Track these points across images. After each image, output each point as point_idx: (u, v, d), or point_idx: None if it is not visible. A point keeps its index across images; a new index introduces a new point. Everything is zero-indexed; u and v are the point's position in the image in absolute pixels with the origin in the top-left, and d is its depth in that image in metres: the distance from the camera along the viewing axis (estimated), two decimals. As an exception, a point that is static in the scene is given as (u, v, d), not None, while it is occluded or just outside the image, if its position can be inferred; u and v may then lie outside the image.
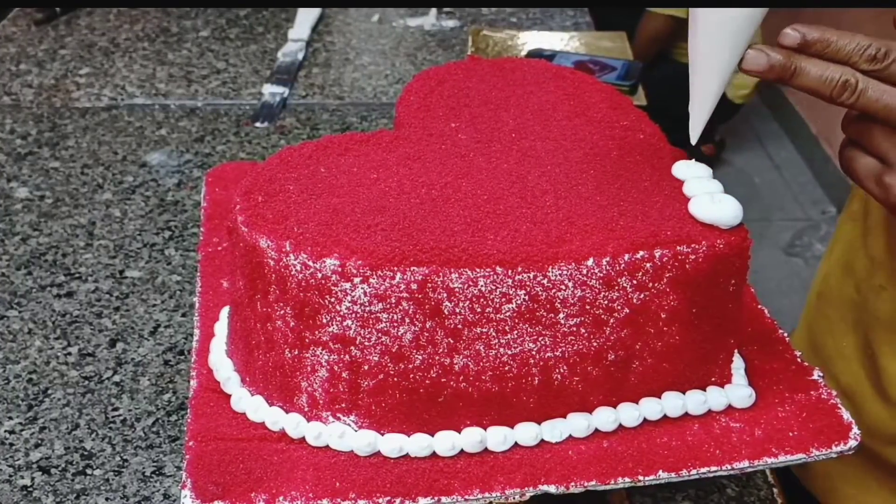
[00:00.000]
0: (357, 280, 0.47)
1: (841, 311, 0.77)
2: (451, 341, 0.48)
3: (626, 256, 0.48)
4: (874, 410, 0.72)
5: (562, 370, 0.50)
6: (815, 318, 0.81)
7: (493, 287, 0.47)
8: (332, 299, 0.48)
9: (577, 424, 0.51)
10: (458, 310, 0.48)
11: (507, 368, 0.49)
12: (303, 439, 0.51)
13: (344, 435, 0.50)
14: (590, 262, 0.48)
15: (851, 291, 0.75)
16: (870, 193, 0.52)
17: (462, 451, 0.50)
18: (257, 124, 1.05)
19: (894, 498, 0.74)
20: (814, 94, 0.49)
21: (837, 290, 0.78)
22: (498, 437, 0.50)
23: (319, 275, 0.47)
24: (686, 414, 0.53)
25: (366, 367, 0.49)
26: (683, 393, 0.53)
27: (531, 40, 1.14)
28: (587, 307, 0.49)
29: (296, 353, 0.50)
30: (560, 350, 0.50)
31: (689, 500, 0.62)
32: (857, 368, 0.74)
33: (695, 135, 0.51)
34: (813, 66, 0.49)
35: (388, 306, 0.47)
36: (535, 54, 1.06)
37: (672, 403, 0.53)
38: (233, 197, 0.53)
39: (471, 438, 0.50)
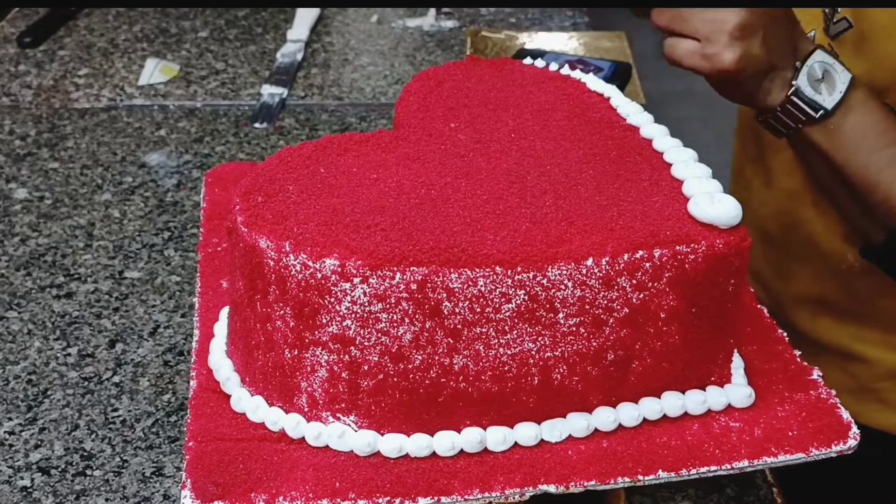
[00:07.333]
0: (357, 280, 0.47)
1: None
2: (451, 341, 0.48)
3: (626, 256, 0.49)
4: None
5: (561, 370, 0.50)
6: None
7: (493, 287, 0.47)
8: (332, 299, 0.48)
9: (576, 424, 0.51)
10: (457, 310, 0.48)
11: (506, 368, 0.49)
12: (303, 439, 0.51)
13: (344, 435, 0.50)
14: (589, 261, 0.48)
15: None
16: (695, 71, 0.59)
17: (462, 451, 0.50)
18: (256, 125, 1.05)
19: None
20: None
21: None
22: (497, 437, 0.50)
23: (319, 275, 0.47)
24: (685, 414, 0.53)
25: (365, 368, 0.49)
26: (683, 392, 0.53)
27: (529, 41, 1.14)
28: (586, 307, 0.49)
29: (295, 353, 0.50)
30: (559, 350, 0.50)
31: (688, 499, 0.62)
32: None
33: None
34: None
35: (388, 306, 0.47)
36: (522, 55, 1.05)
37: (671, 403, 0.53)
38: (232, 197, 0.53)
39: (470, 438, 0.50)
